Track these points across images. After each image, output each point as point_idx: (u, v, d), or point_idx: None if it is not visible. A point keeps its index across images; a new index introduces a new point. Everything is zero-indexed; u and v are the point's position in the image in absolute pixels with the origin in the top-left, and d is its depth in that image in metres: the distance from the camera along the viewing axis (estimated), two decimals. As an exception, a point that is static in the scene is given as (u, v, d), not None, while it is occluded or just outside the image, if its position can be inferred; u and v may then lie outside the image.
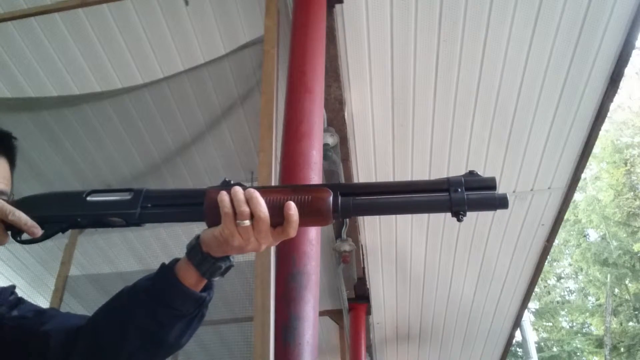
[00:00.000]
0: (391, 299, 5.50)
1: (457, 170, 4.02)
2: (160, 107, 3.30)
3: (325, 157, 3.33)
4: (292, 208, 0.79)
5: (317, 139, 2.11)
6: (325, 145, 3.31)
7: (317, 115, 2.17)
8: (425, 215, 4.46)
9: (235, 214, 0.79)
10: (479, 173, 0.80)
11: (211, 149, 3.58)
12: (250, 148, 3.50)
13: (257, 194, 0.79)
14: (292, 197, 0.80)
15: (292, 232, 0.80)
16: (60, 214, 0.87)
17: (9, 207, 0.85)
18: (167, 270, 0.87)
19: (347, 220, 4.08)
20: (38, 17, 2.99)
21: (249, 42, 3.00)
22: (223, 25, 3.14)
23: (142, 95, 3.25)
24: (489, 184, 0.78)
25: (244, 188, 0.81)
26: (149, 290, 0.87)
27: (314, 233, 1.86)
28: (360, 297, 5.13)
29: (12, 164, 0.98)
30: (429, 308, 5.64)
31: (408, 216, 4.48)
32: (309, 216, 0.81)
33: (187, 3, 3.01)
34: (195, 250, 0.84)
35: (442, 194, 0.78)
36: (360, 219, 4.42)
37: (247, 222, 0.78)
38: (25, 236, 0.88)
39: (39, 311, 0.98)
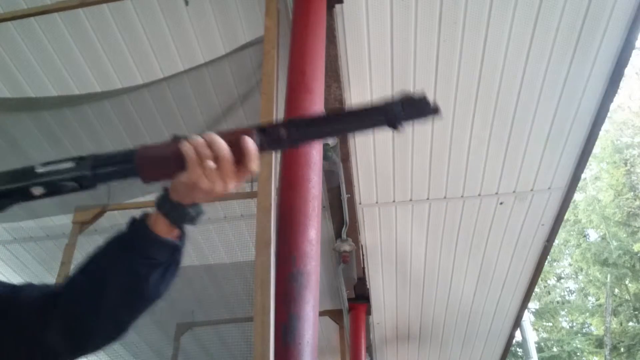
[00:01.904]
0: (391, 299, 5.50)
1: (457, 170, 4.02)
2: (160, 107, 3.30)
3: (325, 157, 3.34)
4: (249, 140, 0.82)
5: (317, 139, 2.10)
6: (325, 145, 3.31)
7: (317, 115, 2.17)
8: (425, 215, 4.46)
9: (200, 157, 0.82)
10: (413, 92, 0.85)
11: (211, 149, 3.57)
12: (250, 148, 3.49)
13: (216, 136, 0.83)
14: (226, 137, 0.84)
15: (253, 165, 0.83)
16: (12, 187, 0.87)
17: None
18: (138, 222, 0.89)
19: (347, 220, 4.09)
20: (38, 17, 2.99)
21: (249, 42, 3.00)
22: (223, 25, 3.14)
23: (142, 95, 3.25)
24: (421, 97, 0.83)
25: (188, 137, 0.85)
26: (121, 242, 0.89)
27: (314, 233, 1.86)
28: (360, 297, 5.13)
29: None
30: (429, 308, 5.64)
31: (408, 216, 4.48)
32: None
33: (187, 3, 3.01)
34: (164, 199, 0.87)
35: (379, 112, 0.83)
36: (360, 218, 4.43)
37: (213, 164, 0.82)
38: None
39: (15, 286, 0.98)
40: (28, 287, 0.97)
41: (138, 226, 0.89)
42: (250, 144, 0.82)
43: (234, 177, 0.84)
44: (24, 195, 0.87)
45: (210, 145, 0.82)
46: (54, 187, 0.87)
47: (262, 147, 0.85)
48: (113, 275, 0.88)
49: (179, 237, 0.91)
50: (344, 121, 0.85)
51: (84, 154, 0.90)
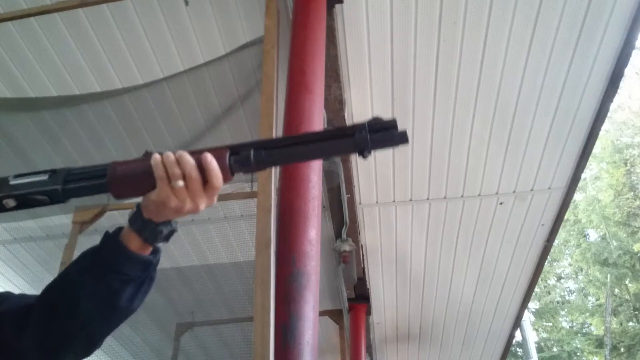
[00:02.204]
0: (391, 299, 5.50)
1: (457, 170, 4.02)
2: (160, 107, 3.30)
3: (326, 157, 3.33)
4: (210, 159, 0.83)
5: (317, 139, 2.10)
6: (326, 145, 3.30)
7: (317, 115, 2.17)
8: (425, 216, 4.46)
9: (169, 176, 0.82)
10: (383, 118, 0.85)
11: (211, 149, 3.57)
12: (250, 148, 3.49)
13: (186, 155, 0.83)
14: (194, 157, 0.85)
15: (217, 181, 0.83)
16: None
17: None
18: (112, 238, 0.90)
19: (347, 220, 4.09)
20: (38, 17, 2.99)
21: (249, 42, 3.00)
22: (223, 25, 3.14)
23: (142, 95, 3.25)
24: (390, 125, 0.84)
25: (161, 154, 0.85)
26: (96, 258, 0.90)
27: (314, 233, 1.86)
28: (360, 297, 5.13)
29: None
30: (429, 308, 5.63)
31: (408, 217, 4.48)
32: None
33: (187, 3, 3.01)
34: (136, 216, 0.88)
35: (348, 138, 0.84)
36: (360, 218, 4.42)
37: (181, 183, 0.82)
38: None
39: None
40: (7, 299, 0.97)
41: (111, 242, 0.89)
42: (211, 162, 0.82)
43: (203, 197, 0.84)
44: None
45: (179, 163, 0.82)
46: (25, 200, 0.88)
47: (232, 168, 0.85)
48: (86, 289, 0.88)
49: (153, 252, 0.92)
50: (312, 146, 0.85)
51: (58, 166, 0.91)
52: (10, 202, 0.88)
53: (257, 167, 0.86)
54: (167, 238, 0.90)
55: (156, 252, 0.92)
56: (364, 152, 0.83)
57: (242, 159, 0.85)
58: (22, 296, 1.00)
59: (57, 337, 0.90)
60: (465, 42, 3.19)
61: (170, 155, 0.83)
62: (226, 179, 0.85)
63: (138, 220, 0.87)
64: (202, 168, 0.83)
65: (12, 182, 0.88)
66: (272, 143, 0.87)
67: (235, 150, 0.86)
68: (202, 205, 0.85)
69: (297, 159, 0.91)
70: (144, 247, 0.89)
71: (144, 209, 0.87)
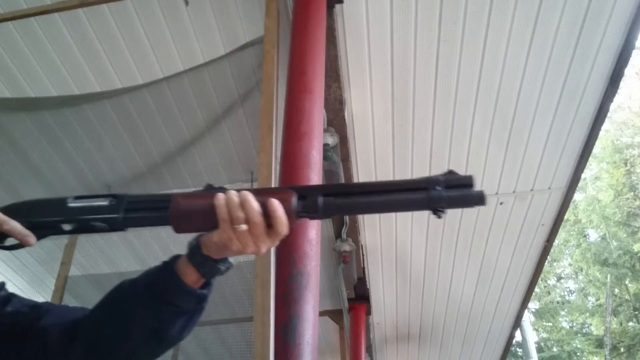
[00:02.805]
0: (391, 299, 5.50)
1: (456, 170, 4.01)
2: (160, 107, 3.30)
3: (325, 157, 3.33)
4: (277, 206, 0.80)
5: (317, 139, 2.11)
6: (325, 145, 3.31)
7: (317, 115, 2.17)
8: (425, 216, 4.46)
9: (232, 219, 0.80)
10: (458, 172, 0.82)
11: (211, 149, 3.58)
12: (250, 148, 3.50)
13: (250, 197, 0.80)
14: (259, 200, 0.81)
15: (283, 228, 0.81)
16: (46, 221, 0.87)
17: (3, 217, 0.84)
18: (169, 269, 0.89)
19: (347, 220, 4.09)
20: (38, 17, 2.99)
21: (249, 42, 3.00)
22: (223, 25, 3.14)
23: (142, 95, 3.25)
24: (467, 182, 0.79)
25: (223, 191, 0.83)
26: (151, 288, 0.88)
27: (314, 233, 1.86)
28: (360, 297, 5.13)
29: None
30: (429, 308, 5.64)
31: (408, 217, 4.48)
32: None
33: (187, 3, 3.01)
34: (196, 251, 0.86)
35: (421, 193, 0.79)
36: (360, 218, 4.42)
37: (244, 227, 0.80)
38: (9, 241, 0.87)
39: (34, 306, 0.97)
40: (49, 311, 0.96)
41: (168, 274, 0.88)
42: (278, 210, 0.80)
43: (266, 241, 0.82)
44: (56, 230, 0.87)
45: (243, 207, 0.80)
46: (83, 226, 0.87)
47: (298, 214, 0.82)
48: (138, 317, 0.88)
49: (206, 284, 0.91)
50: (382, 197, 0.81)
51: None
52: (67, 226, 0.86)
53: (324, 215, 0.82)
54: (223, 273, 0.89)
55: (209, 284, 0.91)
56: (437, 211, 0.77)
57: (309, 204, 0.82)
58: (66, 309, 0.99)
59: None
60: (465, 42, 3.19)
61: (234, 198, 0.81)
62: (291, 224, 0.82)
63: (197, 256, 0.86)
64: (266, 213, 0.80)
65: (71, 204, 0.86)
66: (341, 189, 0.84)
67: (303, 194, 0.83)
68: (264, 249, 0.83)
69: (365, 211, 0.86)
70: (200, 279, 0.88)
71: (204, 246, 0.85)
